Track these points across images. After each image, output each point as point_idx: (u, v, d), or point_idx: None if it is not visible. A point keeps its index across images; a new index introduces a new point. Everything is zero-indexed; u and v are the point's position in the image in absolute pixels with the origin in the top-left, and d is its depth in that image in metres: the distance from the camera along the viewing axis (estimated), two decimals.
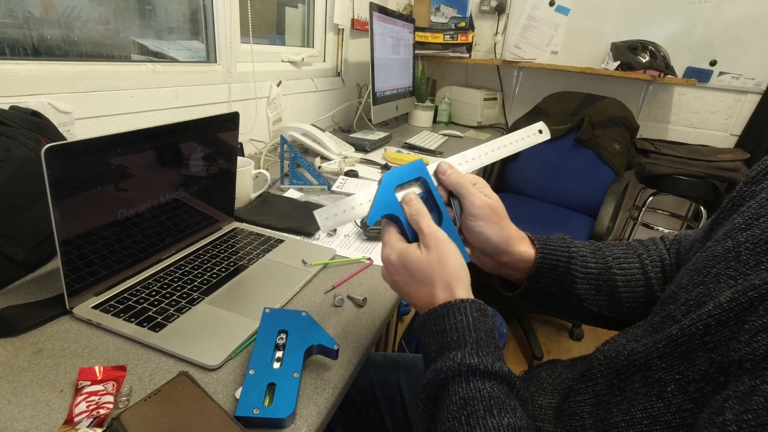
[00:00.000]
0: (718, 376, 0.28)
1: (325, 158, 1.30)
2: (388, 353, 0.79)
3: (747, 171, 1.63)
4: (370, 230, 0.78)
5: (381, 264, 0.47)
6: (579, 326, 1.92)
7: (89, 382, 0.43)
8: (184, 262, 0.67)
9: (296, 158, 1.05)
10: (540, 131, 0.53)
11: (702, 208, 1.82)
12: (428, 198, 0.47)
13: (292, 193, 1.03)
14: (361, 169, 1.24)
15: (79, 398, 0.41)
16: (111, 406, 0.41)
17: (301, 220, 0.86)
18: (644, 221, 2.00)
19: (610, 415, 0.35)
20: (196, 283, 0.62)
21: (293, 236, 0.81)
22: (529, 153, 1.99)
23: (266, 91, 1.36)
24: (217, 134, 0.72)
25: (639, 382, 0.34)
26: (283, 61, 1.49)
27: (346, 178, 1.14)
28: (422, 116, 2.06)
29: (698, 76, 1.91)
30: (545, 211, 1.86)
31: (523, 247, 0.50)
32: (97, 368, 0.45)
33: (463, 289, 0.41)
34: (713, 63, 1.89)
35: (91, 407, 0.41)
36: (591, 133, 1.82)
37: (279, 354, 0.47)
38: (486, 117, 2.19)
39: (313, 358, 0.51)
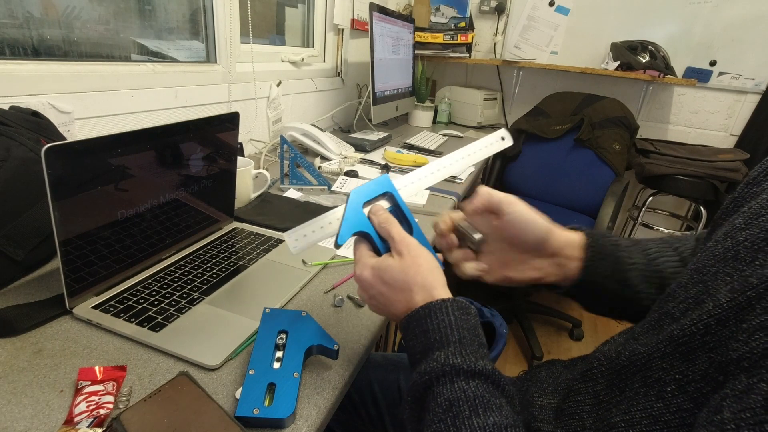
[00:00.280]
0: (717, 376, 0.28)
1: (325, 158, 1.30)
2: (387, 353, 0.79)
3: (747, 171, 1.63)
4: None
5: None
6: (579, 326, 1.92)
7: (89, 382, 0.43)
8: (184, 262, 0.67)
9: (296, 158, 1.05)
10: (503, 138, 0.53)
11: (702, 208, 1.83)
12: (397, 211, 0.47)
13: (292, 193, 1.03)
14: (361, 169, 1.24)
15: (79, 398, 0.41)
16: (111, 406, 0.41)
17: (301, 221, 0.86)
18: (644, 221, 2.00)
19: (610, 415, 0.35)
20: (196, 283, 0.62)
21: None
22: (529, 153, 2.00)
23: (266, 91, 1.36)
24: (217, 134, 0.72)
25: (639, 382, 0.34)
26: (283, 61, 1.49)
27: (346, 178, 1.14)
28: (422, 116, 2.06)
29: (698, 76, 1.91)
30: (545, 211, 1.81)
31: (566, 231, 0.48)
32: (97, 368, 0.45)
33: (441, 288, 0.41)
34: (713, 63, 1.89)
35: (91, 407, 0.41)
36: (591, 133, 1.82)
37: (279, 354, 0.47)
38: (486, 117, 2.19)
39: (313, 358, 0.51)
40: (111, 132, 0.53)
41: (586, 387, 0.41)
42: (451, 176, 1.22)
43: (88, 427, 0.39)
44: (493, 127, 2.28)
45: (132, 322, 0.53)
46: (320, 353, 0.50)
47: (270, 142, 1.37)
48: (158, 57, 1.08)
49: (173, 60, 1.12)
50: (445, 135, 1.86)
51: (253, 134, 1.34)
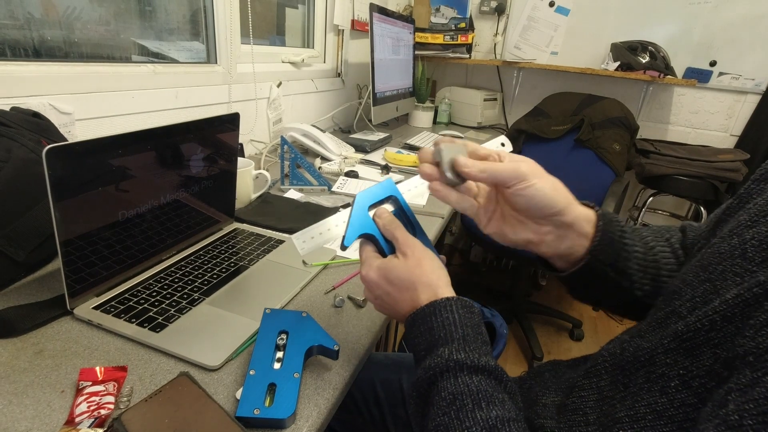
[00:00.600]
0: (722, 372, 0.28)
1: (325, 159, 1.30)
2: (389, 353, 0.79)
3: (747, 171, 1.62)
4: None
5: None
6: (579, 327, 1.92)
7: (90, 383, 0.43)
8: (184, 263, 0.67)
9: (296, 159, 1.05)
10: (503, 144, 0.53)
11: (702, 208, 1.83)
12: (401, 214, 0.49)
13: (293, 194, 1.03)
14: (362, 169, 1.24)
15: (80, 399, 0.42)
16: (112, 406, 0.41)
17: (302, 221, 0.86)
18: (644, 222, 2.00)
19: (614, 410, 0.35)
20: (196, 284, 0.62)
21: None
22: (529, 154, 1.99)
23: (266, 92, 1.36)
24: (217, 135, 0.72)
25: (643, 377, 0.34)
26: (283, 62, 1.49)
27: (346, 178, 1.14)
28: (422, 117, 2.06)
29: (698, 76, 1.91)
30: None
31: (581, 207, 0.44)
32: (98, 369, 0.45)
33: (445, 287, 0.42)
34: (713, 63, 1.89)
35: (92, 408, 0.41)
36: (591, 133, 1.82)
37: (279, 354, 0.47)
38: (486, 117, 2.19)
39: (314, 358, 0.51)
40: (112, 133, 0.53)
41: (589, 383, 0.41)
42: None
43: (89, 427, 0.39)
44: (493, 128, 2.28)
45: (133, 322, 0.53)
46: (321, 354, 0.50)
47: (270, 143, 1.37)
48: (159, 58, 1.08)
49: (174, 61, 1.12)
50: (445, 135, 1.86)
51: (253, 135, 1.34)
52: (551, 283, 2.26)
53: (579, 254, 0.45)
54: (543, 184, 0.42)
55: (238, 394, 0.44)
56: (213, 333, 0.53)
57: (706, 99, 1.97)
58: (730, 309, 0.29)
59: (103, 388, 0.43)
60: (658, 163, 1.74)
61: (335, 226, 0.47)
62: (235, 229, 0.80)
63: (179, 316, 0.55)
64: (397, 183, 0.50)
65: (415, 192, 0.51)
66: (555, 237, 0.45)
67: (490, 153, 0.44)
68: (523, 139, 2.01)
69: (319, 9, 1.67)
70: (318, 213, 0.93)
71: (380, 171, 1.26)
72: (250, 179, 0.92)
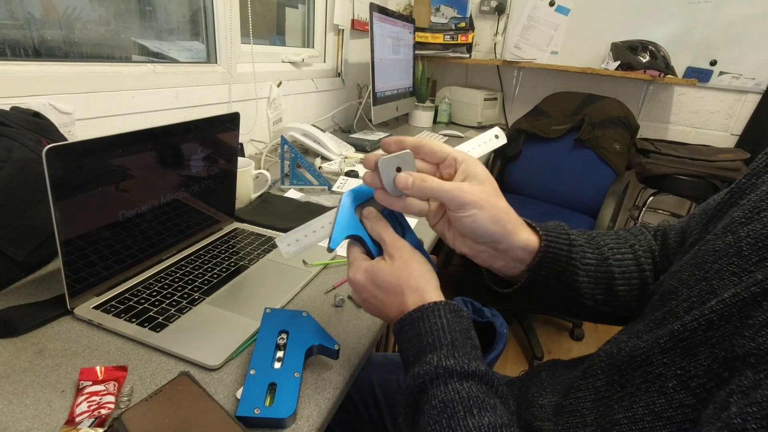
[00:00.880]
0: (721, 372, 0.28)
1: (325, 158, 1.30)
2: (388, 353, 0.79)
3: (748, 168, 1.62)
4: None
5: None
6: (580, 326, 1.92)
7: (90, 383, 0.43)
8: (184, 263, 0.67)
9: (297, 158, 1.05)
10: (496, 136, 0.52)
11: None
12: (389, 214, 0.47)
13: (293, 194, 1.03)
14: (362, 169, 1.24)
15: (81, 398, 0.42)
16: (112, 406, 0.41)
17: (302, 221, 0.86)
18: (644, 221, 2.00)
19: (612, 411, 0.35)
20: (196, 284, 0.62)
21: None
22: (529, 153, 1.99)
23: (266, 92, 1.36)
24: (217, 135, 0.72)
25: (640, 377, 0.34)
26: (283, 62, 1.49)
27: (346, 178, 1.14)
28: (422, 116, 2.06)
29: (698, 75, 1.91)
30: (546, 211, 1.86)
31: (524, 234, 0.44)
32: (98, 368, 0.45)
33: (433, 291, 0.41)
34: (713, 63, 1.89)
35: (92, 407, 0.41)
36: (591, 133, 1.82)
37: (280, 354, 0.47)
38: (486, 117, 2.19)
39: (314, 358, 0.51)
40: (112, 132, 0.53)
41: (586, 383, 0.41)
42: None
43: (89, 427, 0.39)
44: (493, 128, 2.27)
45: (133, 322, 0.53)
46: (321, 353, 0.50)
47: (270, 143, 1.37)
48: (159, 58, 1.08)
49: (174, 61, 1.12)
50: (445, 135, 1.86)
51: (253, 134, 1.34)
52: None
53: (514, 274, 0.46)
54: (482, 216, 0.40)
55: (239, 393, 0.44)
56: (213, 333, 0.53)
57: (706, 98, 1.97)
58: (728, 308, 0.29)
59: (104, 388, 0.43)
60: (659, 162, 1.74)
61: (321, 227, 0.45)
62: (235, 229, 0.80)
63: (179, 316, 0.55)
64: None
65: None
66: (488, 256, 0.45)
67: (447, 156, 0.42)
68: (524, 139, 2.01)
69: (319, 9, 1.67)
70: (318, 213, 0.92)
71: None
72: (250, 179, 0.92)
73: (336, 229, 0.44)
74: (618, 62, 1.89)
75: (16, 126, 0.61)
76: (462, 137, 1.90)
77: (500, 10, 2.16)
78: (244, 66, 1.25)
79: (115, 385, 0.44)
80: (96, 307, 0.55)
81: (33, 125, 0.64)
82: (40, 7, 0.83)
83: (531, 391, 0.48)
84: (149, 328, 0.52)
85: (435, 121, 2.17)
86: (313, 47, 1.73)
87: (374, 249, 0.45)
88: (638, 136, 1.94)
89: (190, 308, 0.57)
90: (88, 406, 0.41)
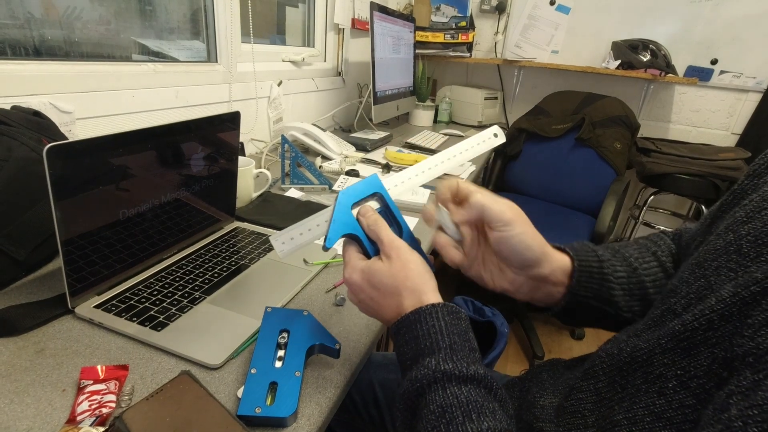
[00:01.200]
0: (721, 372, 0.28)
1: (326, 158, 1.30)
2: (388, 353, 0.79)
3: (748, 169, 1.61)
4: None
5: None
6: None
7: (91, 382, 0.43)
8: (185, 262, 0.67)
9: (297, 158, 1.05)
10: (495, 135, 0.51)
11: (703, 207, 1.82)
12: (386, 212, 0.46)
13: (293, 193, 1.03)
14: (362, 168, 1.24)
15: (82, 397, 0.42)
16: (113, 405, 0.41)
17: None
18: (645, 220, 2.00)
19: (612, 412, 0.35)
20: (197, 283, 0.62)
21: None
22: (530, 152, 1.99)
23: (267, 91, 1.36)
24: (218, 134, 0.72)
25: (640, 378, 0.34)
26: (283, 61, 1.49)
27: (347, 177, 1.14)
28: (423, 116, 2.06)
29: (699, 74, 1.91)
30: (546, 210, 1.86)
31: (558, 254, 0.45)
32: (99, 367, 0.45)
33: (431, 293, 0.40)
34: (714, 62, 1.89)
35: (93, 406, 0.41)
36: (592, 132, 1.81)
37: (281, 353, 0.47)
38: (487, 116, 2.19)
39: (315, 357, 0.51)
40: (112, 132, 0.53)
41: (587, 384, 0.40)
42: (453, 175, 1.22)
43: (90, 426, 0.39)
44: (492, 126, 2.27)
45: (134, 321, 0.53)
46: (322, 352, 0.50)
47: (271, 142, 1.37)
48: (159, 57, 1.08)
49: (174, 60, 1.12)
50: (446, 134, 1.86)
51: (254, 134, 1.34)
52: None
53: (556, 298, 0.47)
54: (525, 231, 0.42)
55: (240, 392, 0.44)
56: (214, 332, 0.53)
57: (707, 97, 1.97)
58: (728, 308, 0.29)
59: (105, 387, 0.43)
60: (659, 161, 1.74)
61: (317, 225, 0.44)
62: (235, 228, 0.80)
63: (180, 315, 0.55)
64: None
65: (402, 188, 0.48)
66: (529, 288, 0.46)
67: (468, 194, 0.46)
68: (524, 138, 2.01)
69: (319, 8, 1.67)
70: (318, 211, 0.93)
71: (381, 170, 1.26)
72: (250, 178, 0.92)
73: (332, 227, 0.44)
74: (619, 61, 1.89)
75: (17, 125, 0.61)
76: (462, 136, 1.90)
77: (501, 9, 2.16)
78: (244, 65, 1.25)
79: (116, 384, 0.44)
80: (97, 306, 0.55)
81: (33, 124, 0.64)
82: (41, 7, 0.83)
83: (532, 391, 0.48)
84: (150, 327, 0.52)
85: (435, 121, 2.17)
86: (314, 46, 1.73)
87: (371, 248, 0.44)
88: (639, 135, 1.94)
89: (191, 307, 0.57)
90: (89, 405, 0.41)
